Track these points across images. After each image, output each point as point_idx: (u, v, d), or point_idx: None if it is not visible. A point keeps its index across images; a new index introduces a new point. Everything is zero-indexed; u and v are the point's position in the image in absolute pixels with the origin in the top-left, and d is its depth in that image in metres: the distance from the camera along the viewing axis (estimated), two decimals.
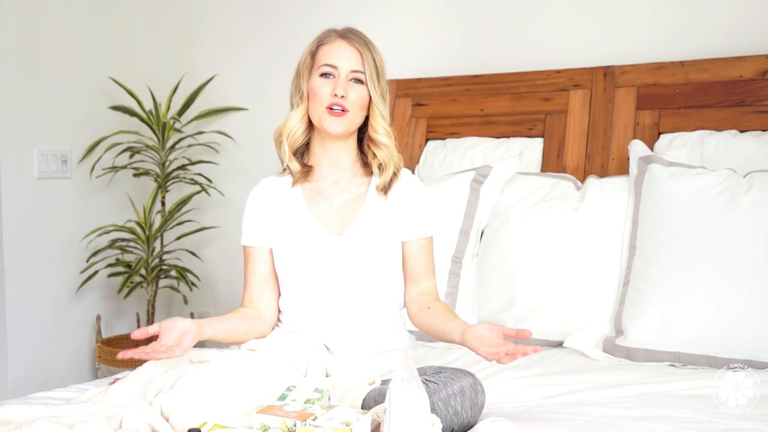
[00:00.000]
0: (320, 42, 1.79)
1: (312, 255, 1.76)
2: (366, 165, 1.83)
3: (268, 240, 1.81)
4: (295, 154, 1.82)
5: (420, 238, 1.81)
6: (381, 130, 1.77)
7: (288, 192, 1.82)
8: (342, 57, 1.75)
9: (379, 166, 1.80)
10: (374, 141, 1.79)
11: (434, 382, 1.53)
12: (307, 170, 1.81)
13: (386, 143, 1.78)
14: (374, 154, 1.79)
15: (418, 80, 2.86)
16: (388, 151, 1.78)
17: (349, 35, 1.77)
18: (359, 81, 1.75)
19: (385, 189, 1.79)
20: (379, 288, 1.77)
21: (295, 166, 1.81)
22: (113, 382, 1.68)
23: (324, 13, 3.08)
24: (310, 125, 1.81)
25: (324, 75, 1.75)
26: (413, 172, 2.14)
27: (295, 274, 1.77)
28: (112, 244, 3.20)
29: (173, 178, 3.27)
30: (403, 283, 1.83)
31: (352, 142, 1.81)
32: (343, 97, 1.73)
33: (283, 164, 1.84)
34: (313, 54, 1.79)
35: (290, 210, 1.80)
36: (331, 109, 1.73)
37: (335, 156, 1.81)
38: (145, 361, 1.66)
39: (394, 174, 1.79)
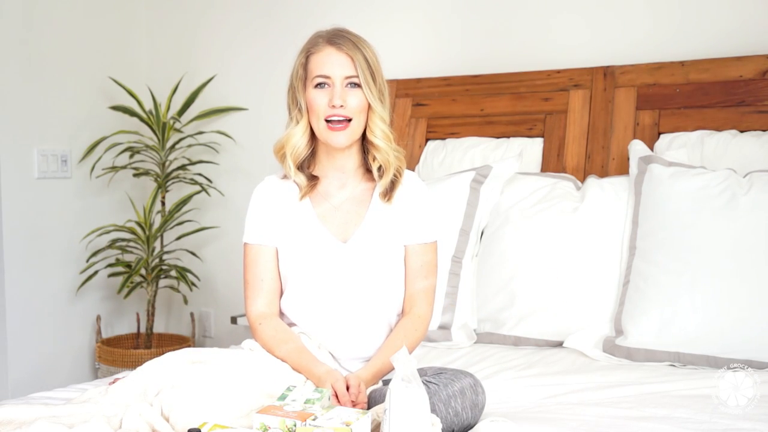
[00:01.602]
0: (309, 52, 1.75)
1: (316, 261, 1.75)
2: (370, 170, 1.80)
3: (274, 239, 1.79)
4: (300, 166, 1.79)
5: (418, 243, 1.79)
6: (378, 132, 1.74)
7: (293, 195, 1.80)
8: (333, 65, 1.71)
9: (379, 169, 1.77)
10: (372, 144, 1.76)
11: (435, 383, 1.53)
12: (314, 183, 1.79)
13: (383, 147, 1.75)
14: (374, 157, 1.77)
15: (418, 80, 2.85)
16: (385, 154, 1.75)
17: (337, 40, 1.72)
18: (356, 85, 1.72)
19: (387, 194, 1.77)
20: (382, 294, 1.76)
21: (302, 180, 1.78)
22: (113, 382, 1.68)
23: (324, 12, 3.08)
24: (313, 136, 1.78)
25: (319, 85, 1.72)
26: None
27: (299, 278, 1.76)
28: (112, 244, 3.20)
29: (173, 178, 3.27)
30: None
31: (357, 147, 1.79)
32: (342, 106, 1.70)
33: (287, 176, 1.80)
34: (304, 65, 1.75)
35: (296, 213, 1.79)
36: (330, 121, 1.71)
37: (341, 162, 1.79)
38: (145, 360, 1.66)
39: (396, 177, 1.77)
